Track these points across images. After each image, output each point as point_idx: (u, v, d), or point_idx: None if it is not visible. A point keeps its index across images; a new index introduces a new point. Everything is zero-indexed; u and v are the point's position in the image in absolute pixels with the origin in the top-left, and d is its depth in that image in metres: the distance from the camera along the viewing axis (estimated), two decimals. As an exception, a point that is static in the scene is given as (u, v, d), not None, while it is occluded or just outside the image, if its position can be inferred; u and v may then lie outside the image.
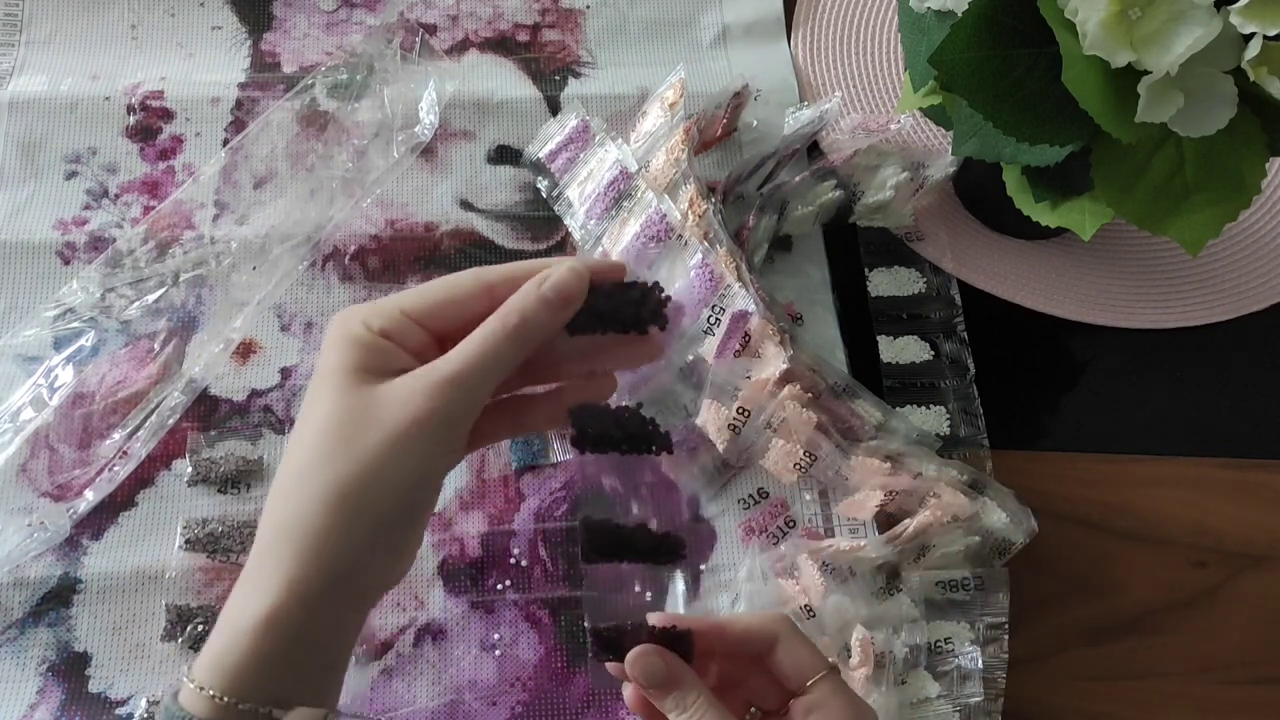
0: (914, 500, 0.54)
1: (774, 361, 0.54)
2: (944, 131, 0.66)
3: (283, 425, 0.56)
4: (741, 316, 0.55)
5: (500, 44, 0.68)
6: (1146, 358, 0.63)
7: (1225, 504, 0.59)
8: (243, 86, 0.65)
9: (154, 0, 0.67)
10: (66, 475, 0.54)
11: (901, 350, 0.61)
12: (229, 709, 0.35)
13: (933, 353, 0.61)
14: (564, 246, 0.62)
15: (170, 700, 0.36)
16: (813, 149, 0.65)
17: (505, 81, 0.67)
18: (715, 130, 0.64)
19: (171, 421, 0.55)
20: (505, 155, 0.65)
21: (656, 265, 0.57)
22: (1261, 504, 0.59)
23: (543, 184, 0.63)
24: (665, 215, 0.57)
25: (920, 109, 0.55)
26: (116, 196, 0.61)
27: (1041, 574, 0.56)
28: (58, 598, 0.52)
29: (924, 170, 0.62)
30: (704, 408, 0.55)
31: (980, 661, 0.52)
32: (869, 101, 0.68)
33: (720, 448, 0.55)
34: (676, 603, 0.54)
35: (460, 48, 0.68)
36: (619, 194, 0.59)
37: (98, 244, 0.59)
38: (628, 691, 0.40)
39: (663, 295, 0.39)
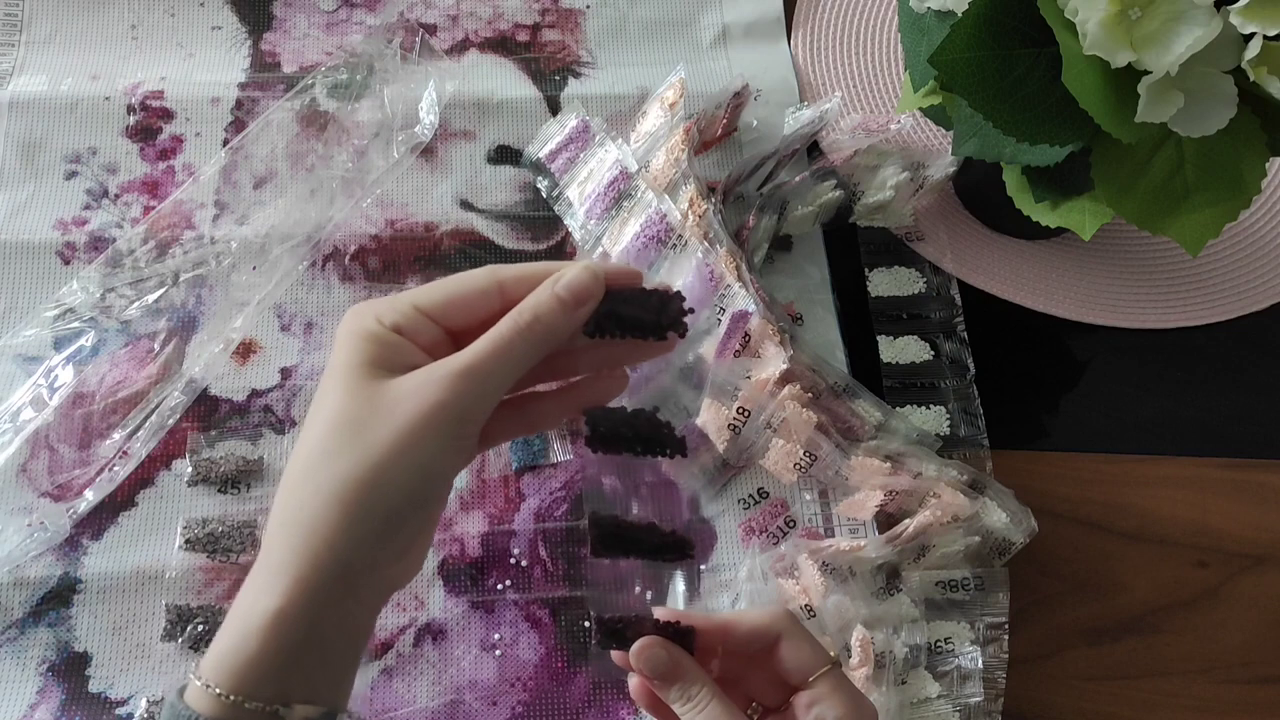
0: (914, 500, 0.54)
1: (774, 361, 0.54)
2: (944, 131, 0.66)
3: (283, 425, 0.56)
4: (741, 316, 0.55)
5: (500, 44, 0.68)
6: (1146, 358, 0.63)
7: (1225, 504, 0.59)
8: (243, 86, 0.65)
9: (154, 0, 0.67)
10: (66, 475, 0.54)
11: (901, 350, 0.61)
12: (236, 707, 0.34)
13: (933, 353, 0.61)
14: (564, 246, 0.62)
15: (175, 698, 0.35)
16: (813, 149, 0.65)
17: (505, 81, 0.67)
18: (715, 130, 0.64)
19: (171, 421, 0.55)
20: (505, 155, 0.65)
21: (656, 265, 0.57)
22: (1261, 504, 0.59)
23: (543, 184, 0.63)
24: (665, 215, 0.57)
25: (920, 109, 0.55)
26: (116, 196, 0.61)
27: (1041, 574, 0.56)
28: (58, 598, 0.52)
29: (924, 170, 0.62)
30: (704, 408, 0.55)
31: (980, 661, 0.52)
32: (869, 101, 0.68)
33: (720, 448, 0.55)
34: (677, 603, 0.54)
35: (460, 48, 0.68)
36: (619, 194, 0.59)
37: (98, 244, 0.59)
38: (633, 682, 0.40)
39: (684, 304, 0.39)
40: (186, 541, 0.53)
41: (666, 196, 0.58)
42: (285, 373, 0.58)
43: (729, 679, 0.41)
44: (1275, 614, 0.57)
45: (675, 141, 0.59)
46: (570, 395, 0.41)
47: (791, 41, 0.70)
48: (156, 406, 0.55)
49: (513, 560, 0.54)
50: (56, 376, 0.56)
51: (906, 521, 0.53)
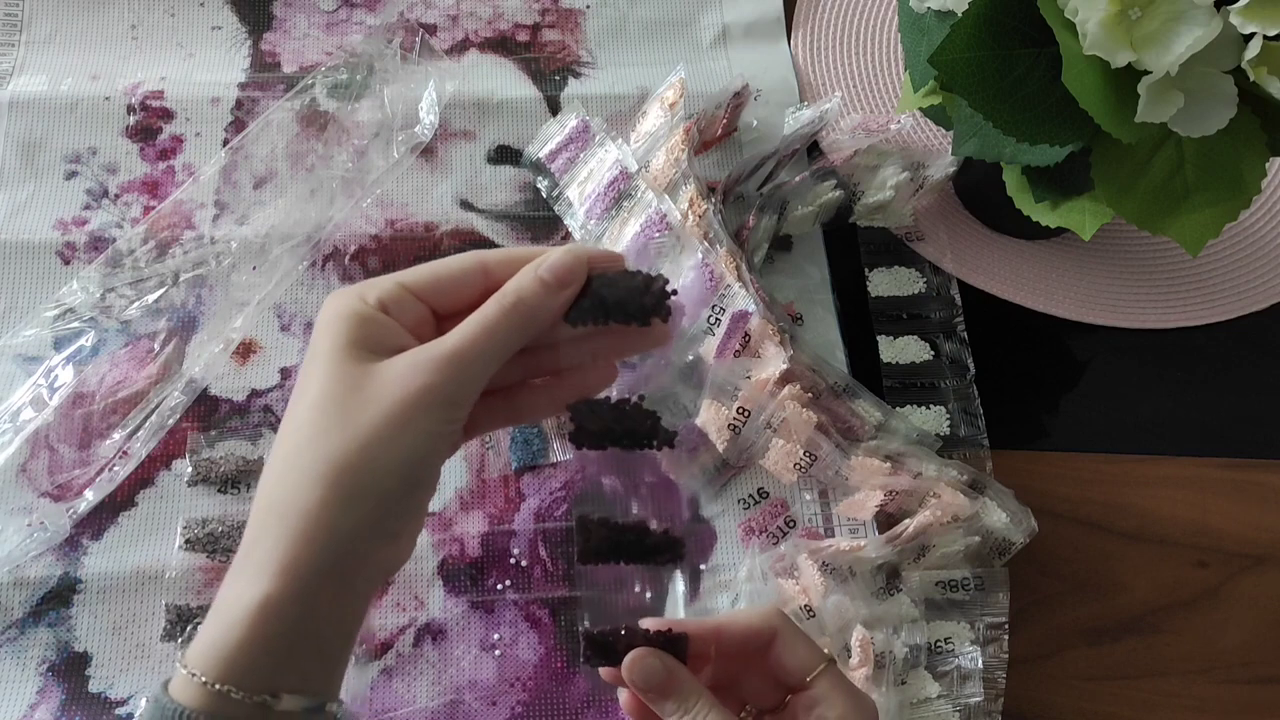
0: (914, 500, 0.54)
1: (774, 361, 0.54)
2: (944, 131, 0.66)
3: (283, 425, 0.56)
4: (741, 316, 0.55)
5: (500, 44, 0.68)
6: (1146, 358, 0.63)
7: (1225, 504, 0.59)
8: (243, 86, 0.65)
9: (154, 0, 0.67)
10: (66, 475, 0.54)
11: (901, 350, 0.61)
12: (221, 697, 0.33)
13: (933, 353, 0.61)
14: (564, 246, 0.62)
15: (160, 691, 0.34)
16: (813, 149, 0.65)
17: (505, 81, 0.67)
18: (715, 130, 0.64)
19: (171, 421, 0.55)
20: (505, 155, 0.65)
21: (656, 265, 0.57)
22: (1261, 504, 0.59)
23: (543, 184, 0.63)
24: (665, 215, 0.57)
25: (920, 109, 0.55)
26: (116, 196, 0.61)
27: (1041, 574, 0.56)
28: (58, 598, 0.52)
29: (924, 170, 0.62)
30: (704, 408, 0.55)
31: (980, 661, 0.52)
32: (869, 101, 0.68)
33: (720, 448, 0.55)
34: (676, 603, 0.54)
35: (460, 48, 0.68)
36: (619, 194, 0.59)
37: (98, 244, 0.59)
38: (623, 697, 0.39)
39: (666, 286, 0.38)
40: (186, 541, 0.53)
41: (666, 196, 0.58)
42: (285, 373, 0.58)
43: (722, 683, 0.40)
44: (1275, 614, 0.57)
45: (675, 141, 0.59)
46: (558, 387, 0.41)
47: (791, 41, 0.70)
48: (156, 406, 0.55)
49: (513, 560, 0.54)
50: (56, 376, 0.56)
51: (906, 521, 0.53)
